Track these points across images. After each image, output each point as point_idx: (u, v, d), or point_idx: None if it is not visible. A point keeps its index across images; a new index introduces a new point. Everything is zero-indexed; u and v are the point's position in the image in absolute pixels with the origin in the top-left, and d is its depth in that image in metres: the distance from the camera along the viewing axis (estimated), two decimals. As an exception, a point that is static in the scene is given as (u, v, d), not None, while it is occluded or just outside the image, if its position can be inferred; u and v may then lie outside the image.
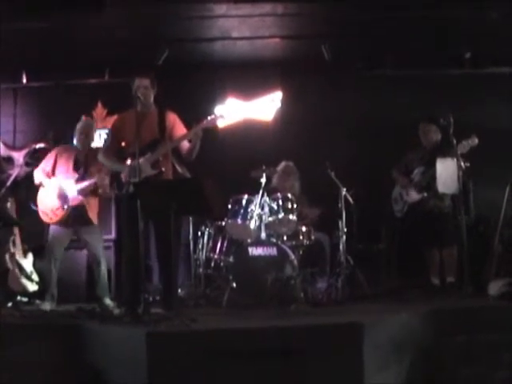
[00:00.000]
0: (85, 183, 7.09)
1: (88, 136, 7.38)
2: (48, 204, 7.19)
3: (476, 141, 7.29)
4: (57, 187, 7.17)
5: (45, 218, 7.24)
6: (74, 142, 7.33)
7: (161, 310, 5.97)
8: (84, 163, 7.23)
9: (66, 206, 7.10)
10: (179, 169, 7.25)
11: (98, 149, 7.18)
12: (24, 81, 9.54)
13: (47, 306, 7.00)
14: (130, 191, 6.09)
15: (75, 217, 7.15)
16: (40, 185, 7.28)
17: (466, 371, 5.28)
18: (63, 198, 7.12)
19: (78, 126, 7.39)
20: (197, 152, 6.30)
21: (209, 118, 6.22)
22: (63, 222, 7.17)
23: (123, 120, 6.47)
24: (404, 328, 5.42)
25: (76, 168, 7.23)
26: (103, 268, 7.25)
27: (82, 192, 7.11)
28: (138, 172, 5.83)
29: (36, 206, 7.31)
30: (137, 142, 5.85)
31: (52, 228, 7.26)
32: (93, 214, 7.25)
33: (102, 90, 9.47)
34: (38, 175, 7.30)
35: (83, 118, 7.49)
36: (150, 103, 6.41)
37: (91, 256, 7.34)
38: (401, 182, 7.99)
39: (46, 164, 7.34)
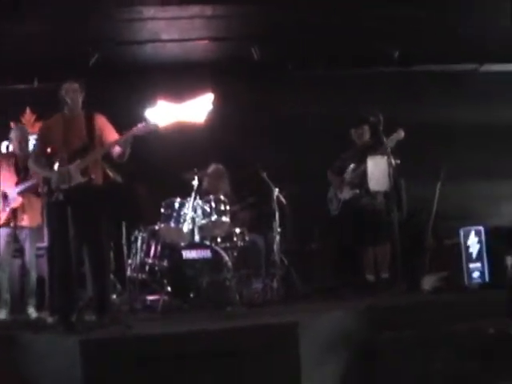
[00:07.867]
0: (25, 184, 7.02)
1: (25, 141, 7.31)
2: None
3: (402, 134, 7.39)
4: None
5: None
6: (10, 148, 7.20)
7: (95, 317, 5.88)
8: (25, 168, 7.09)
9: (7, 208, 7.03)
10: (110, 173, 7.16)
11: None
12: (-49, 87, 9.33)
13: (1, 314, 6.90)
14: (59, 198, 5.96)
15: (16, 218, 7.06)
16: None
17: (402, 365, 5.33)
18: (5, 199, 7.05)
19: (14, 133, 7.33)
20: (127, 155, 6.21)
21: (139, 125, 6.02)
22: (6, 224, 7.07)
23: (50, 125, 6.30)
24: (339, 325, 5.47)
25: (17, 173, 7.16)
26: (33, 274, 7.13)
27: (22, 193, 7.04)
28: (67, 179, 5.73)
29: None
30: (64, 147, 5.76)
31: None
32: (32, 216, 7.12)
33: (31, 96, 9.33)
34: None
35: (13, 124, 7.34)
36: (78, 107, 6.26)
37: (24, 261, 7.19)
38: (335, 183, 8.05)
39: None
